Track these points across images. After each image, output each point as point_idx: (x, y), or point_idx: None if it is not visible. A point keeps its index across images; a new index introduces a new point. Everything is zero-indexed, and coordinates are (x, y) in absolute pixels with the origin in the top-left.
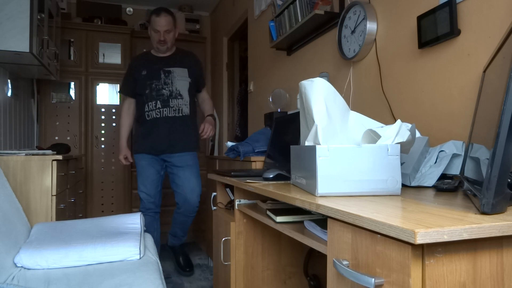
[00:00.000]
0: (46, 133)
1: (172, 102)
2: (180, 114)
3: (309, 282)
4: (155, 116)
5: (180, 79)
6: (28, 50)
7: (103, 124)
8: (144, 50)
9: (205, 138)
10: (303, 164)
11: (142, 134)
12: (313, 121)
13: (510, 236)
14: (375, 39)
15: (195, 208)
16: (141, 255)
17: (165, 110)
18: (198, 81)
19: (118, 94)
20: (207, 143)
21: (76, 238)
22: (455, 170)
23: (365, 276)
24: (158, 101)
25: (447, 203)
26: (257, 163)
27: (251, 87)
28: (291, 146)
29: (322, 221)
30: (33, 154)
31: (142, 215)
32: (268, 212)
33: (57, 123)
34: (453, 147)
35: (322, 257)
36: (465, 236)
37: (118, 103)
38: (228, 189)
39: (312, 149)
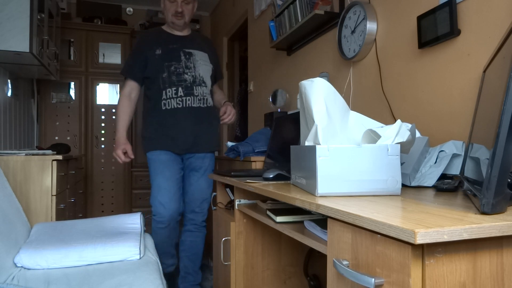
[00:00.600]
0: (46, 133)
1: (196, 90)
2: (205, 105)
3: (309, 282)
4: (175, 106)
5: (203, 64)
6: (28, 50)
7: (103, 124)
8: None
9: (226, 123)
10: (303, 164)
11: (157, 127)
12: (313, 121)
13: (510, 236)
14: (375, 39)
15: (203, 223)
16: (141, 255)
17: (189, 99)
18: (217, 70)
19: (124, 80)
20: None
21: (76, 238)
22: (455, 170)
23: (365, 276)
24: (180, 88)
25: (447, 203)
26: (257, 163)
27: (251, 87)
28: (291, 146)
29: (322, 221)
30: (33, 154)
31: (142, 215)
32: (268, 212)
33: (57, 123)
34: (453, 147)
35: (322, 257)
36: (465, 236)
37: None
38: (228, 189)
39: (312, 149)
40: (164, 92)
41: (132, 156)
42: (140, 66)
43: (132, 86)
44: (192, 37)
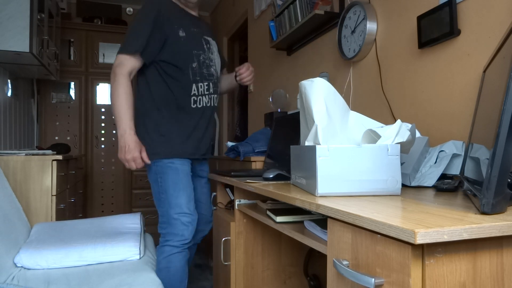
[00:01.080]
0: (46, 133)
1: (218, 87)
2: (217, 105)
3: (309, 282)
4: (205, 105)
5: (217, 56)
6: (28, 50)
7: (103, 124)
8: None
9: (244, 78)
10: (303, 164)
11: (183, 129)
12: (313, 121)
13: (510, 236)
14: (375, 39)
15: (204, 233)
16: (141, 255)
17: (215, 97)
18: (222, 59)
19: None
20: None
21: (76, 238)
22: (455, 170)
23: (365, 276)
24: (211, 83)
25: (447, 203)
26: (257, 163)
27: (251, 87)
28: (291, 146)
29: (322, 221)
30: (33, 154)
31: (141, 215)
32: (268, 212)
33: (57, 123)
34: (453, 147)
35: (322, 257)
36: (465, 236)
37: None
38: (228, 189)
39: (312, 149)
40: (195, 86)
41: (148, 161)
42: (158, 44)
43: (135, 66)
44: (203, 21)
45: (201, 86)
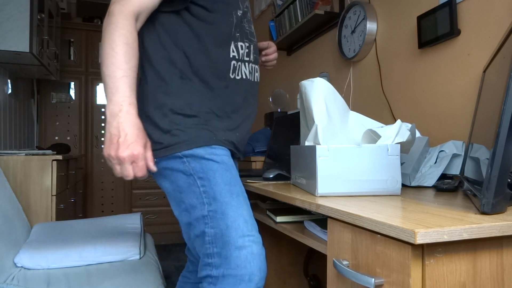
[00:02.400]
0: (46, 133)
1: (257, 55)
2: (259, 81)
3: (309, 282)
4: (245, 77)
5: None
6: (28, 50)
7: (103, 124)
8: None
9: (270, 61)
10: (303, 164)
11: (222, 109)
12: (313, 121)
13: (510, 236)
14: (375, 39)
15: None
16: (141, 255)
17: (256, 70)
18: None
19: None
20: None
21: (76, 238)
22: (455, 170)
23: (365, 276)
24: (252, 46)
25: (447, 203)
26: (257, 163)
27: None
28: (291, 146)
29: (322, 221)
30: (33, 154)
31: (141, 215)
32: (268, 212)
33: (57, 123)
34: (453, 147)
35: (322, 257)
36: (465, 236)
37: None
38: None
39: (312, 149)
40: (234, 46)
41: (153, 168)
42: None
43: (148, 6)
44: None
45: (241, 46)
